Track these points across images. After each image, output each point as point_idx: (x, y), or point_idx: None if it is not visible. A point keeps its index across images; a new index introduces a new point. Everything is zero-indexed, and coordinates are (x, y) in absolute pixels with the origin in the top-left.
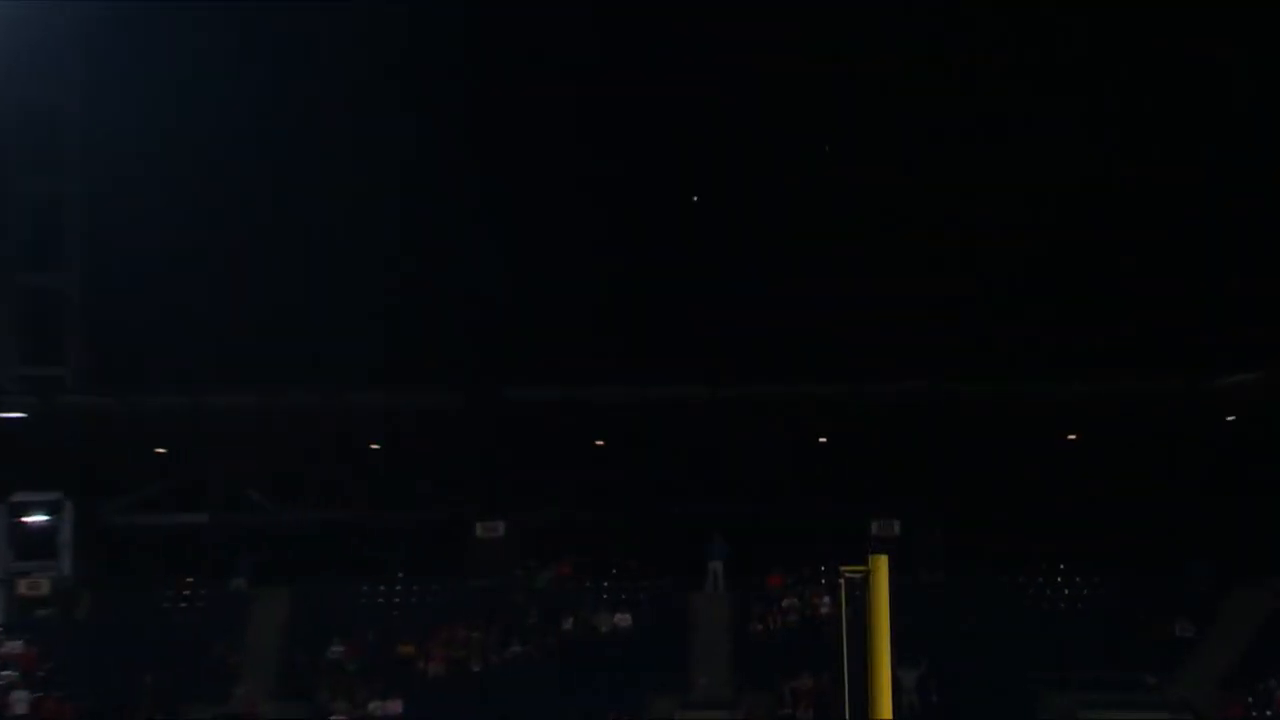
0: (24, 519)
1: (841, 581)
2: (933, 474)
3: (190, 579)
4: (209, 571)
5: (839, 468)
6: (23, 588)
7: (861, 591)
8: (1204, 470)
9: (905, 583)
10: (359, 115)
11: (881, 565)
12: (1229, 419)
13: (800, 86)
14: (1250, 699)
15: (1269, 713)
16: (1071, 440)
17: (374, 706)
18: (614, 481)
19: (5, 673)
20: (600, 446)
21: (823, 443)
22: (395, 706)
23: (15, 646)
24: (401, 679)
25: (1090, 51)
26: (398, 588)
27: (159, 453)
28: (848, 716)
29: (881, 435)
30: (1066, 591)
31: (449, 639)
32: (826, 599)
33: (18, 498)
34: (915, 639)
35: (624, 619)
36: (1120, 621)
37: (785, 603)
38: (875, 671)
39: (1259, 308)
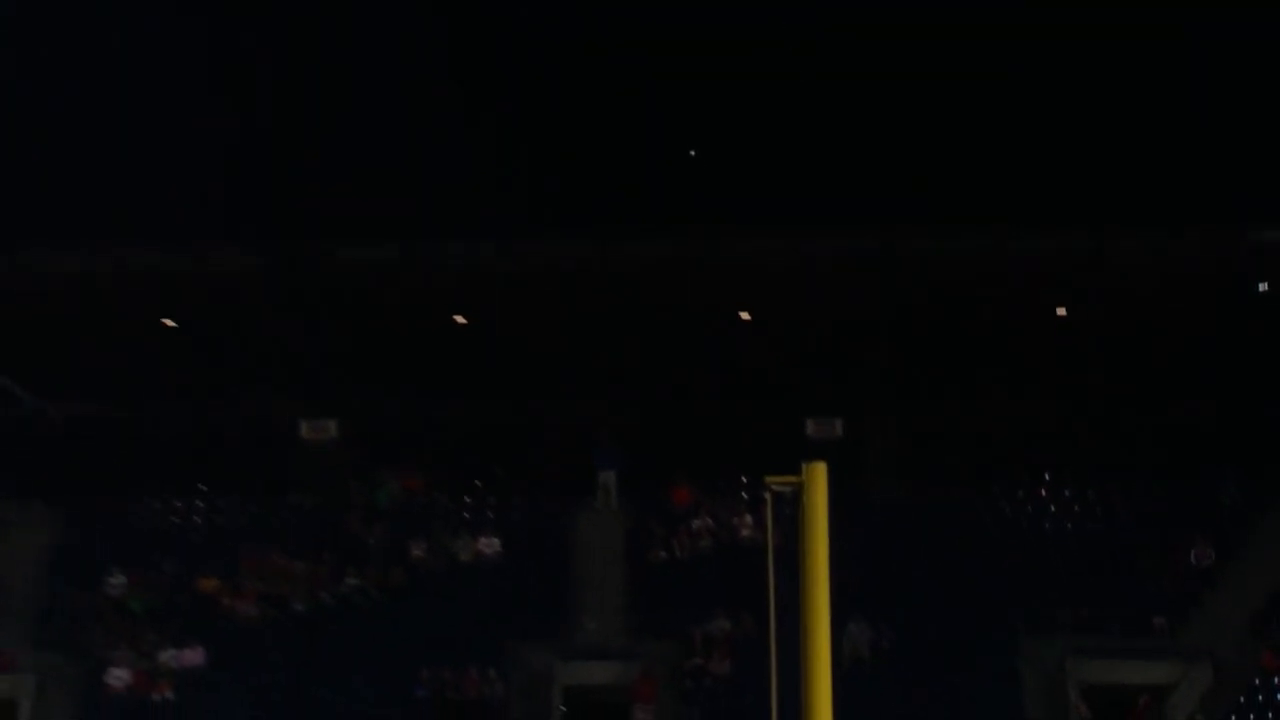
0: None
1: (767, 497)
2: (886, 360)
3: None
4: None
5: (765, 351)
6: None
7: (793, 510)
8: (1231, 356)
9: (850, 498)
10: None
11: (818, 476)
12: (1263, 288)
13: None
14: None
15: None
16: (1062, 316)
17: (166, 656)
18: (476, 369)
19: None
20: (459, 324)
21: (745, 319)
22: (194, 656)
23: None
24: (203, 622)
25: None
26: (199, 504)
27: None
28: (775, 669)
29: (821, 309)
30: (1054, 510)
31: (265, 571)
32: (748, 519)
33: None
34: (863, 570)
35: (490, 545)
36: (1121, 547)
37: (695, 524)
38: (810, 612)
39: None
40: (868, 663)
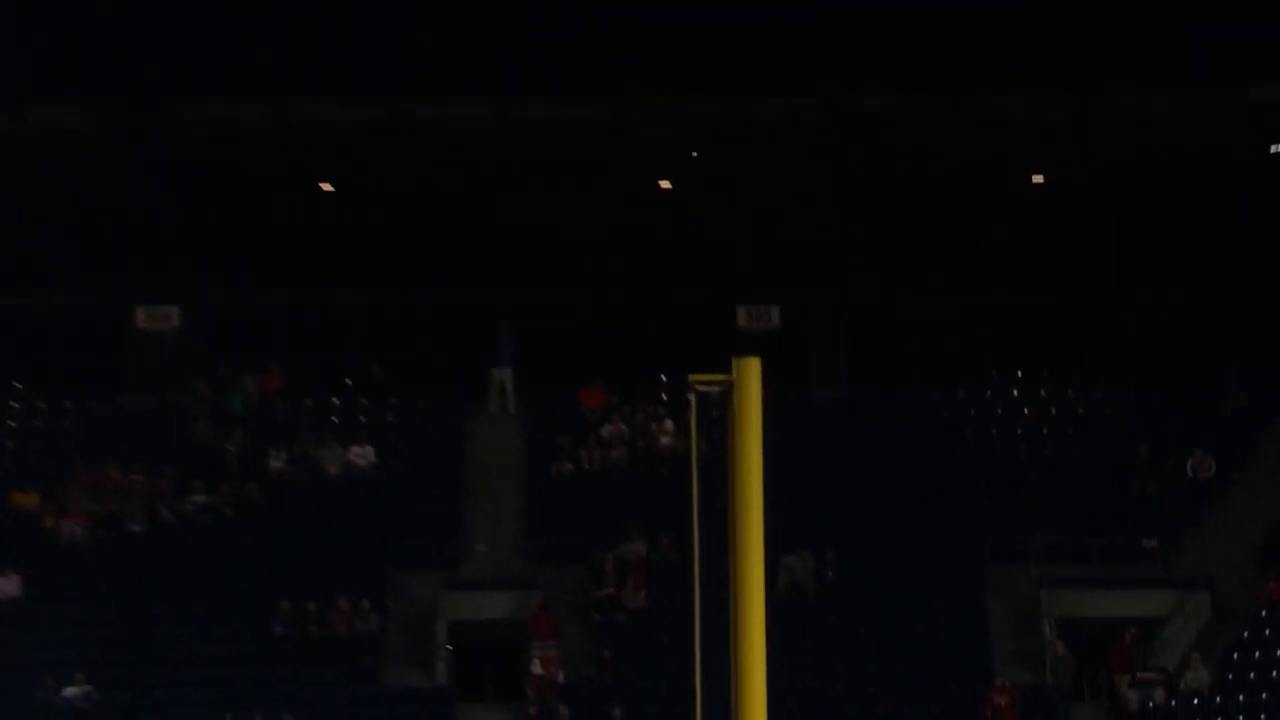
0: None
1: (691, 399)
2: (831, 238)
3: None
4: None
5: (689, 228)
6: None
7: (721, 413)
8: (1236, 234)
9: (788, 400)
10: None
11: (751, 374)
12: (1276, 149)
13: None
14: None
15: None
16: (1039, 185)
17: None
18: (348, 248)
19: None
20: (327, 193)
21: (666, 190)
22: (8, 585)
23: None
24: (20, 544)
25: None
26: (14, 406)
27: None
28: (699, 601)
29: (755, 179)
30: (1027, 413)
31: (95, 485)
32: (669, 425)
33: None
34: (803, 486)
35: (363, 454)
36: (1107, 457)
37: (606, 430)
38: (741, 535)
39: None
40: (809, 595)
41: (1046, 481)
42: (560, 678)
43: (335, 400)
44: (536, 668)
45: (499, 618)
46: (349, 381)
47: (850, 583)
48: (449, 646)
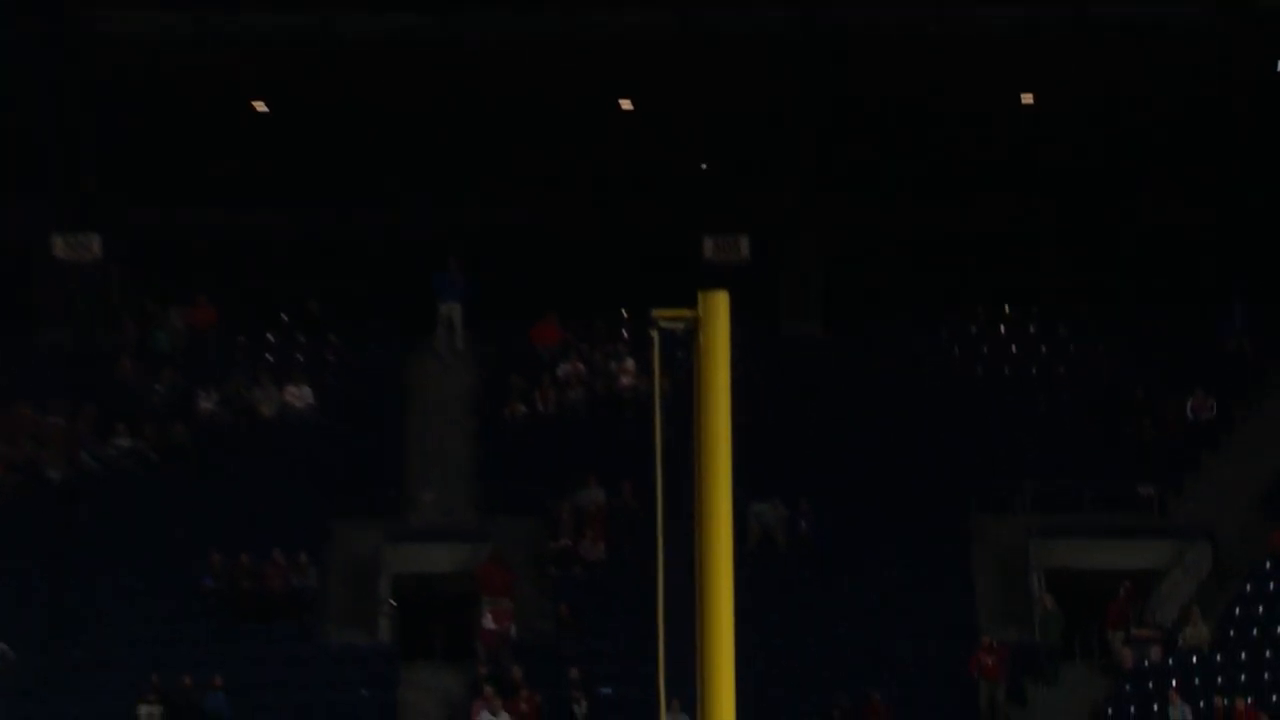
0: None
1: (654, 335)
2: (803, 162)
3: None
4: None
5: (652, 151)
6: None
7: (686, 352)
8: (1241, 154)
9: (760, 337)
10: None
11: (719, 309)
12: None
13: None
14: None
15: None
16: (1029, 106)
17: None
18: (283, 171)
19: None
20: (260, 112)
21: (627, 110)
22: None
23: None
24: None
25: None
26: None
27: None
28: (662, 553)
29: (721, 97)
30: (1015, 349)
31: (8, 428)
32: (630, 365)
33: None
34: (776, 429)
35: (300, 396)
36: (1101, 398)
37: (563, 370)
38: (708, 482)
39: None
40: (781, 547)
41: (1036, 424)
42: (513, 633)
43: (270, 336)
44: (488, 621)
45: (446, 571)
46: (285, 316)
47: (825, 533)
48: (393, 602)
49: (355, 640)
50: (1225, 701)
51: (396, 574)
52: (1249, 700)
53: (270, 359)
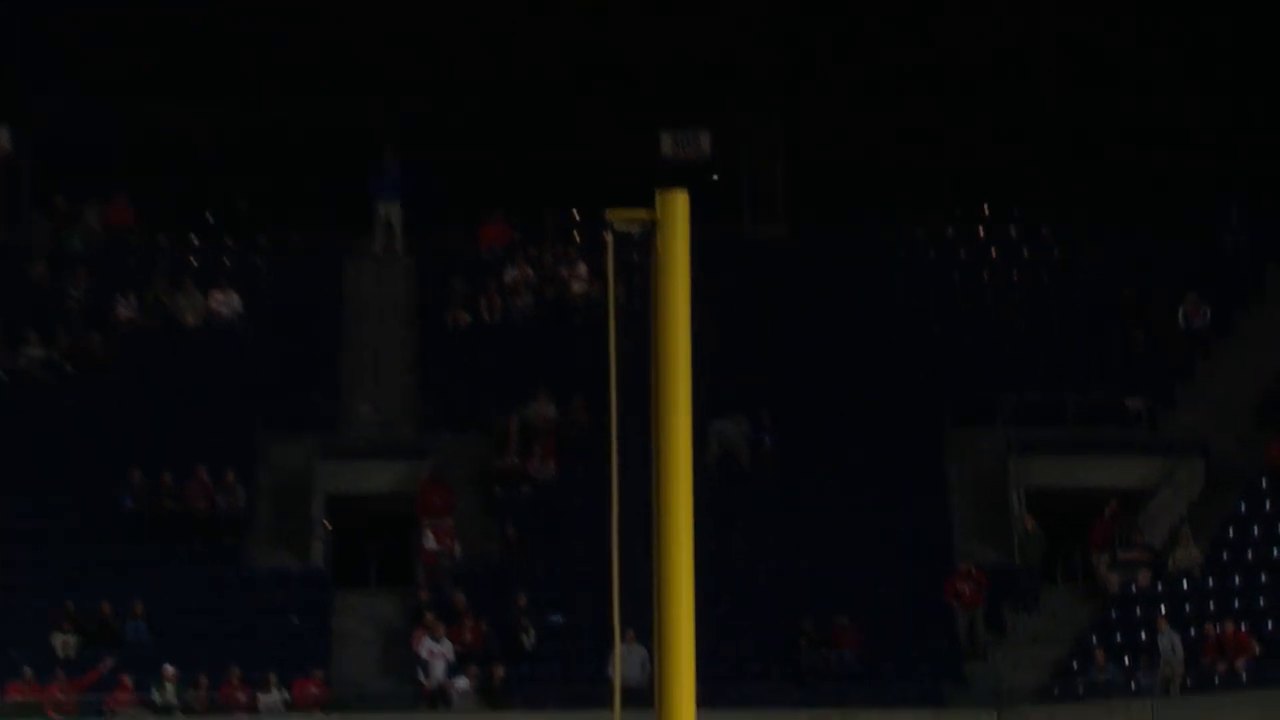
0: None
1: (608, 238)
2: (769, 49)
3: None
4: None
5: (604, 35)
6: None
7: (642, 256)
8: (1238, 42)
9: (720, 240)
10: None
11: (677, 210)
12: None
13: None
14: None
15: None
16: None
17: None
18: (206, 54)
19: None
20: None
21: None
22: None
23: None
24: None
25: None
26: None
27: None
28: (615, 472)
29: None
30: (995, 254)
31: None
32: (582, 269)
33: None
34: (738, 339)
35: (227, 303)
36: (1087, 304)
37: (509, 275)
38: (665, 396)
39: None
40: (743, 465)
41: (1016, 332)
42: (456, 557)
43: (193, 238)
44: (430, 541)
45: (384, 491)
46: (209, 216)
47: (790, 450)
48: (326, 524)
49: (286, 565)
50: (1217, 628)
51: (330, 493)
52: (1241, 626)
53: (194, 262)
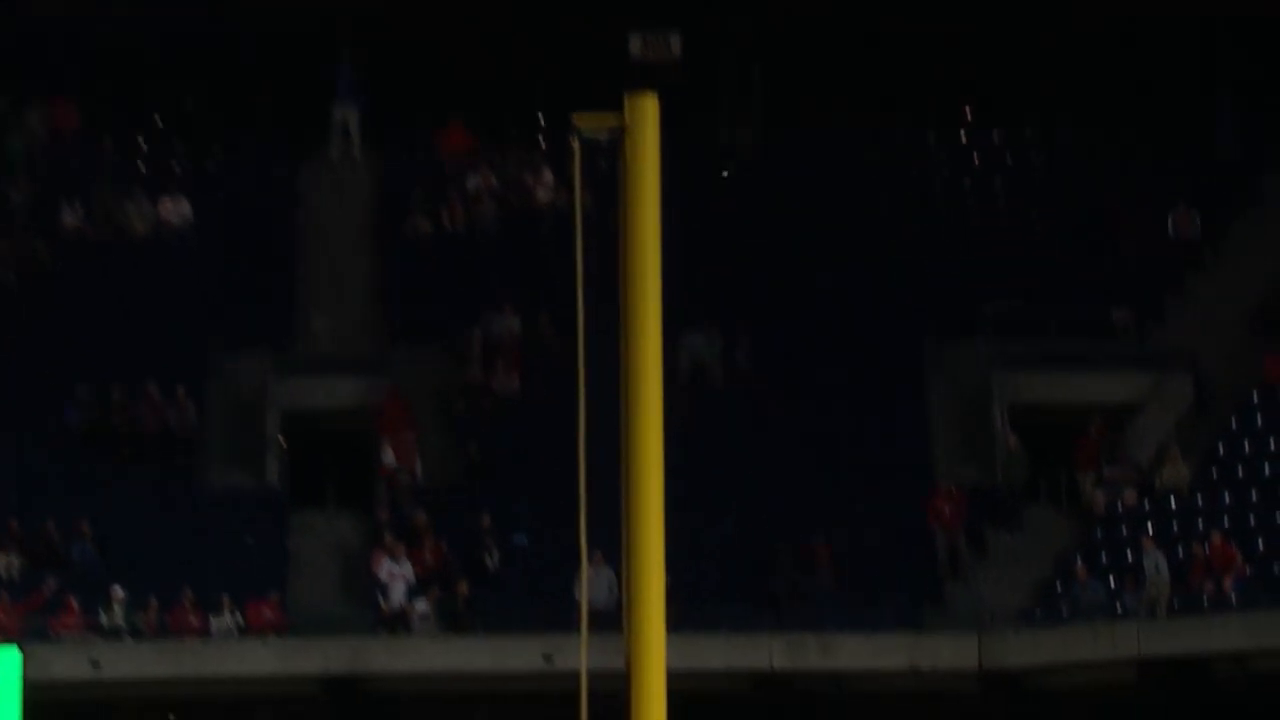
0: None
1: (574, 144)
2: None
3: None
4: None
5: None
6: None
7: (611, 162)
8: None
9: (692, 146)
10: None
11: (647, 115)
12: None
13: None
14: None
15: None
16: None
17: None
18: None
19: None
20: None
21: None
22: None
23: None
24: None
25: None
26: None
27: None
28: (583, 388)
29: None
30: (977, 161)
31: None
32: (548, 177)
33: None
34: (709, 249)
35: (177, 211)
36: (1071, 211)
37: (472, 182)
38: (634, 308)
39: None
40: (715, 382)
41: (999, 241)
42: (417, 476)
43: (141, 142)
44: (389, 459)
45: (341, 407)
46: (158, 119)
47: (764, 366)
48: (281, 441)
49: (240, 484)
50: (1205, 548)
51: (285, 410)
52: (1231, 544)
53: (143, 168)
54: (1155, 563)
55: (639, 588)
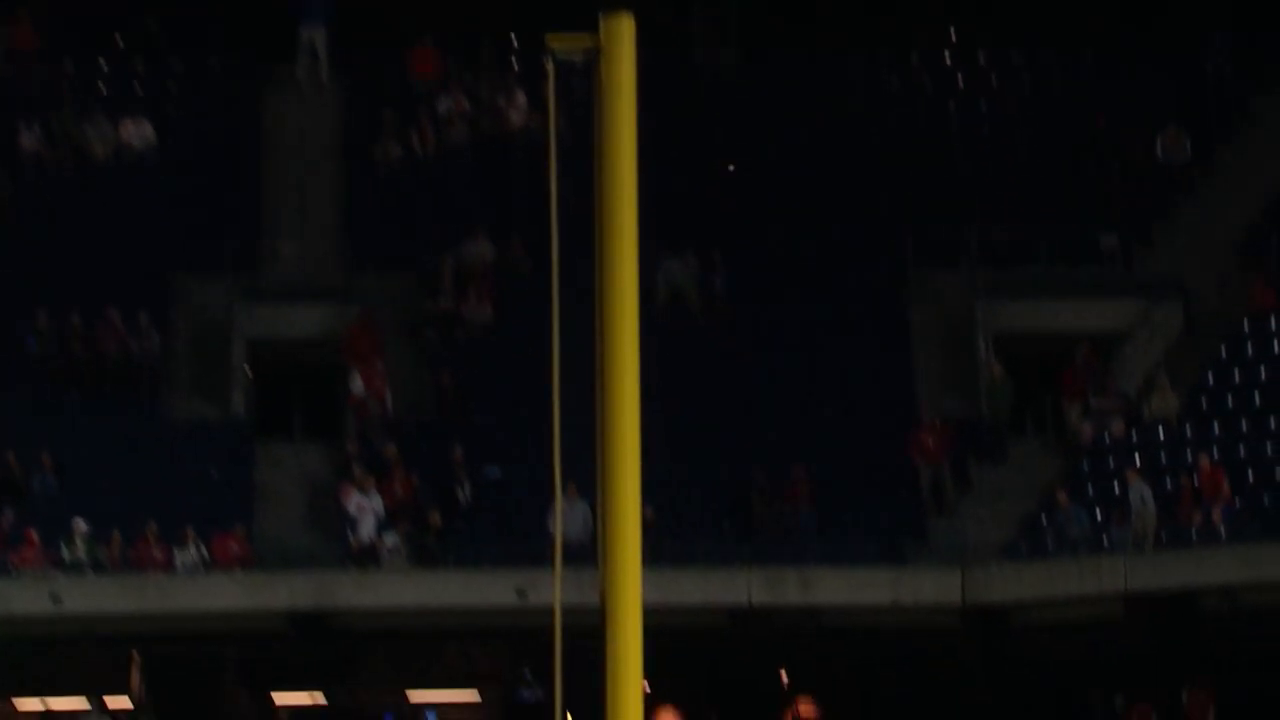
0: None
1: (548, 66)
2: None
3: None
4: None
5: None
6: None
7: (586, 84)
8: None
9: (668, 67)
10: None
11: (623, 35)
12: None
13: None
14: None
15: None
16: None
17: None
18: None
19: None
20: None
21: None
22: None
23: None
24: None
25: None
26: None
27: None
28: (557, 317)
29: None
30: (961, 83)
31: None
32: (521, 98)
33: None
34: (686, 172)
35: (139, 133)
36: (1058, 134)
37: (443, 105)
38: (609, 234)
39: None
40: (693, 309)
41: (984, 165)
42: (387, 407)
43: (102, 62)
44: (358, 388)
45: (309, 336)
46: (119, 39)
47: (743, 293)
48: (247, 370)
49: (204, 414)
50: (1194, 479)
51: (251, 338)
52: (1221, 475)
53: (103, 89)
54: (1141, 495)
55: (614, 521)
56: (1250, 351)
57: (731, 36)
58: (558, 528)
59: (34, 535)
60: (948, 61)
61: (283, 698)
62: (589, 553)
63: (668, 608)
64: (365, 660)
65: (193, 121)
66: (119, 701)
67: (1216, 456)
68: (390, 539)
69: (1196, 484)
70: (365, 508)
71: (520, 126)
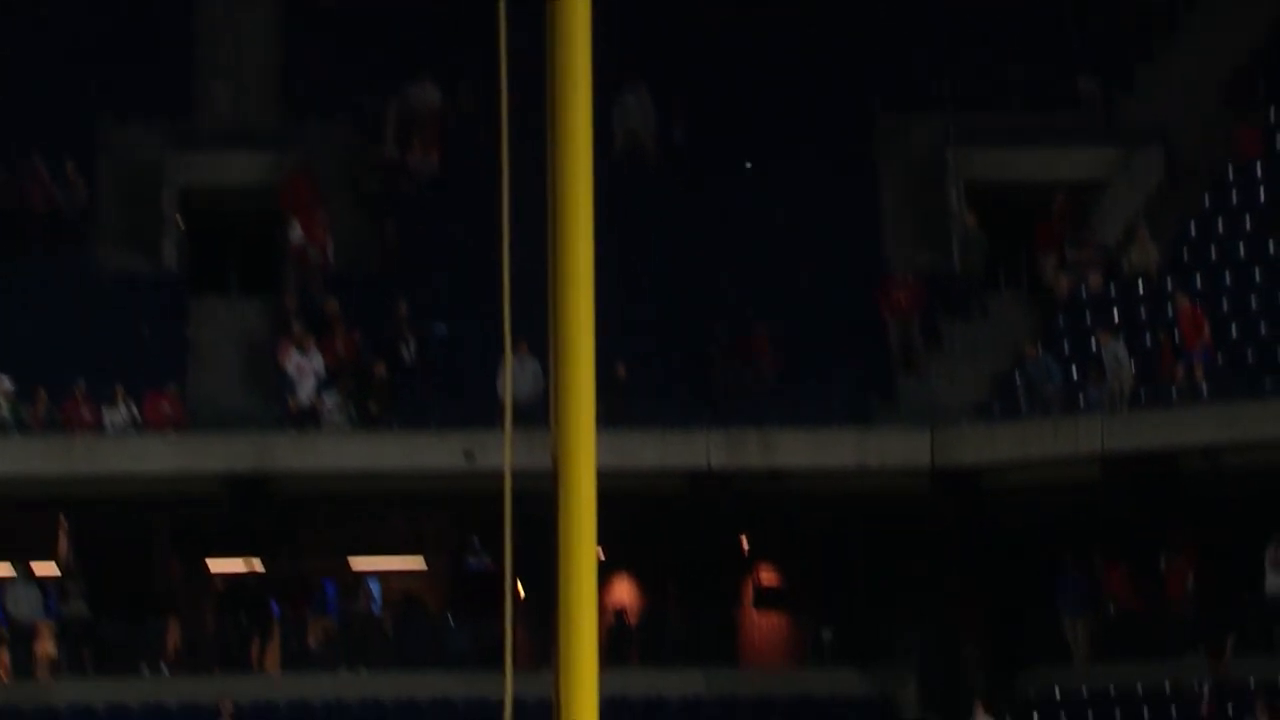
0: None
1: None
2: None
3: None
4: None
5: None
6: None
7: None
8: None
9: None
10: None
11: None
12: None
13: None
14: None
15: None
16: None
17: None
18: None
19: None
20: None
21: None
22: None
23: None
24: None
25: None
26: None
27: None
28: (506, 165)
29: None
30: None
31: None
32: None
33: None
34: (640, 10)
35: None
36: None
37: None
38: (560, 74)
39: None
40: (650, 156)
41: (954, 3)
42: (328, 259)
43: None
44: (297, 239)
45: (244, 184)
46: None
47: (703, 140)
48: (179, 221)
49: (135, 267)
50: (1176, 337)
51: (184, 187)
52: (1199, 325)
53: None
54: (1115, 354)
55: (567, 379)
56: (1235, 200)
57: None
58: (507, 387)
59: None
60: None
61: (218, 565)
62: (540, 413)
63: (623, 471)
64: (304, 526)
65: None
66: (46, 568)
67: (1199, 311)
68: (331, 399)
69: (1178, 339)
70: (305, 366)
71: None
